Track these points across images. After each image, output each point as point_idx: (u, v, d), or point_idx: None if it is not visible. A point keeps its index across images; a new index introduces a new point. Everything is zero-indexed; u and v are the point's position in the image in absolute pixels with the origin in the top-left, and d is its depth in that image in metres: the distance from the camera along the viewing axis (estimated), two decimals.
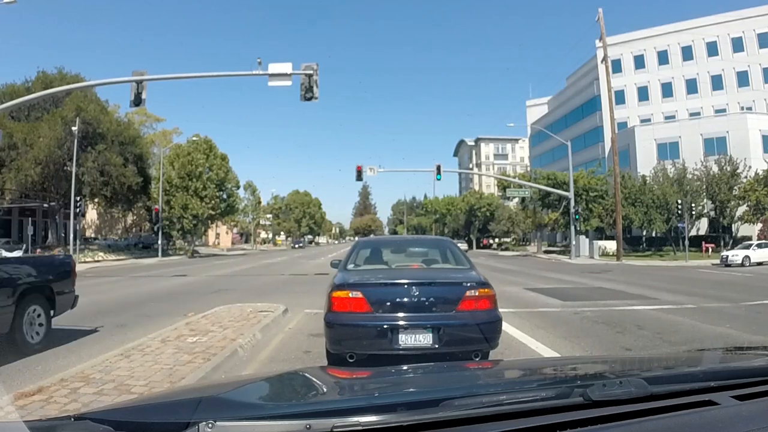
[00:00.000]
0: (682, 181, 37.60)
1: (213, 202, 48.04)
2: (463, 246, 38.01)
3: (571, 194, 38.04)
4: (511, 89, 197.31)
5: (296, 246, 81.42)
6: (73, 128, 31.74)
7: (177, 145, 50.47)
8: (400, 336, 4.77)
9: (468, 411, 1.26)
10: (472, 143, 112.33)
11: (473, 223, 73.28)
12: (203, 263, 33.50)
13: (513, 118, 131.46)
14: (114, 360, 5.44)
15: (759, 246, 28.63)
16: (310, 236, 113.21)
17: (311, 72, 17.42)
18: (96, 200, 42.85)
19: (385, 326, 4.81)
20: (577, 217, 37.59)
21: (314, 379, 1.77)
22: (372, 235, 70.55)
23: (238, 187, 56.26)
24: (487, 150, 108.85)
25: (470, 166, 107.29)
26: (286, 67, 17.69)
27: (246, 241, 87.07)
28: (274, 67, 17.68)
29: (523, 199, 52.84)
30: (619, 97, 50.48)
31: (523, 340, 7.13)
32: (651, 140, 48.99)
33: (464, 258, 6.08)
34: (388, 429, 1.19)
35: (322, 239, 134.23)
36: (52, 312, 7.02)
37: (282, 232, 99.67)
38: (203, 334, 6.91)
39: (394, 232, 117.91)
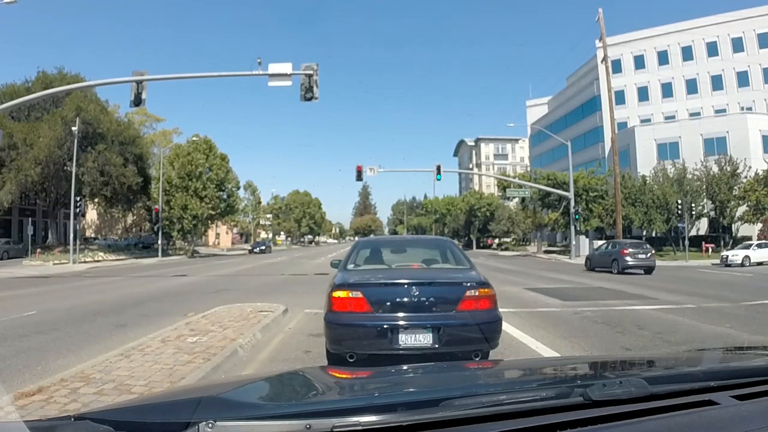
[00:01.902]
0: (682, 181, 37.59)
1: (213, 202, 48.04)
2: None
3: (571, 194, 38.04)
4: (511, 89, 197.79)
5: (256, 250, 55.90)
6: (73, 128, 31.72)
7: (177, 145, 50.46)
8: (400, 336, 4.77)
9: (468, 411, 1.26)
10: (472, 143, 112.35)
11: (473, 223, 73.26)
12: (203, 263, 33.50)
13: (513, 118, 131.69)
14: (114, 360, 5.44)
15: (759, 246, 28.62)
16: (310, 236, 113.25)
17: (311, 72, 17.41)
18: (96, 200, 42.87)
19: (385, 326, 4.80)
20: (577, 217, 37.59)
21: (314, 379, 1.78)
22: (372, 235, 70.52)
23: (238, 187, 56.31)
24: (487, 150, 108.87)
25: (470, 166, 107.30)
26: (286, 67, 17.67)
27: (246, 241, 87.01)
28: (274, 67, 17.66)
29: (523, 199, 52.85)
30: (619, 97, 50.49)
31: (523, 340, 7.12)
32: (651, 140, 48.99)
33: (464, 258, 6.08)
34: (388, 429, 1.19)
35: (323, 238, 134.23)
36: None
37: (282, 232, 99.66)
38: (203, 334, 6.91)
39: (394, 232, 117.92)
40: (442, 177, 37.56)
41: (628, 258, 22.91)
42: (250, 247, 60.00)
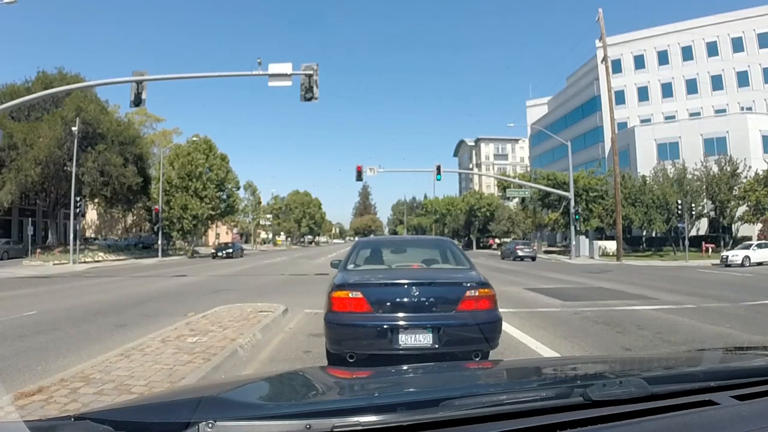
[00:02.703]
0: (682, 181, 37.60)
1: (213, 202, 48.02)
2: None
3: (571, 194, 38.04)
4: (511, 89, 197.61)
5: (221, 254, 41.61)
6: (73, 128, 31.71)
7: (177, 145, 50.45)
8: (400, 336, 4.76)
9: (468, 411, 1.26)
10: (472, 143, 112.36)
11: (473, 223, 73.28)
12: (203, 263, 33.49)
13: (513, 118, 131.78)
14: (114, 360, 5.43)
15: (759, 246, 28.63)
16: (310, 236, 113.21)
17: (311, 72, 17.41)
18: (96, 200, 42.87)
19: (385, 326, 4.80)
20: (577, 217, 37.60)
21: (314, 379, 1.78)
22: (372, 235, 70.48)
23: (238, 188, 56.25)
24: (487, 150, 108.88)
25: (470, 166, 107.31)
26: (286, 68, 17.68)
27: (246, 242, 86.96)
28: (274, 68, 17.67)
29: (523, 199, 52.87)
30: (619, 97, 50.51)
31: (523, 340, 7.12)
32: (651, 140, 49.00)
33: (464, 258, 6.07)
34: (388, 429, 1.19)
35: (323, 238, 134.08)
36: None
37: (282, 233, 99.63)
38: (203, 334, 6.91)
39: (394, 232, 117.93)
40: (442, 177, 37.66)
41: (518, 251, 37.16)
42: (213, 251, 44.41)
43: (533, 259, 36.47)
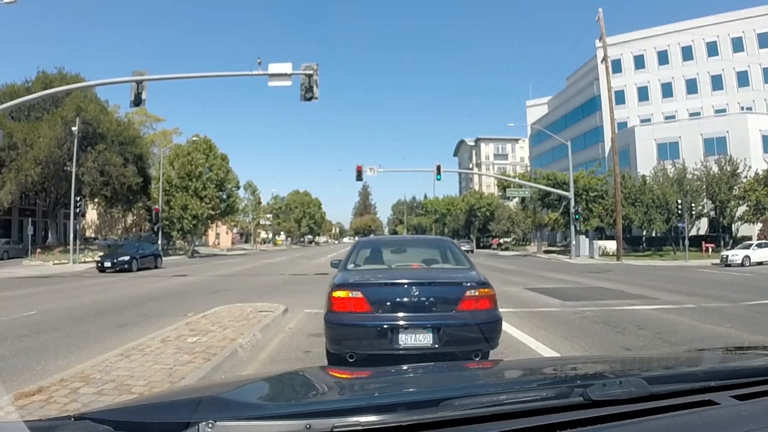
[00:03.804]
0: (682, 181, 37.59)
1: (213, 202, 48.01)
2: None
3: (571, 194, 38.03)
4: (511, 89, 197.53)
5: (108, 264, 24.24)
6: (73, 128, 31.69)
7: (177, 145, 50.44)
8: (400, 336, 4.76)
9: (468, 411, 1.25)
10: (472, 143, 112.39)
11: (473, 223, 73.32)
12: (203, 263, 33.48)
13: (513, 118, 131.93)
14: (114, 360, 5.43)
15: (759, 246, 28.63)
16: (310, 236, 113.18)
17: (311, 72, 17.42)
18: (96, 200, 42.87)
19: (385, 326, 4.80)
20: (577, 217, 37.59)
21: (314, 379, 1.78)
22: (372, 235, 70.45)
23: (238, 188, 56.25)
24: (487, 150, 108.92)
25: (470, 166, 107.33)
26: (286, 67, 17.68)
27: (246, 241, 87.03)
28: (274, 67, 17.67)
29: (523, 199, 52.90)
30: (619, 97, 50.51)
31: (523, 340, 7.12)
32: (651, 140, 49.00)
33: (464, 258, 6.07)
34: (388, 429, 1.19)
35: (323, 239, 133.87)
36: None
37: (282, 232, 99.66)
38: (203, 334, 6.91)
39: (394, 232, 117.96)
40: (442, 177, 37.66)
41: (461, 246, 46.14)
42: (98, 260, 26.13)
43: (471, 252, 46.84)
